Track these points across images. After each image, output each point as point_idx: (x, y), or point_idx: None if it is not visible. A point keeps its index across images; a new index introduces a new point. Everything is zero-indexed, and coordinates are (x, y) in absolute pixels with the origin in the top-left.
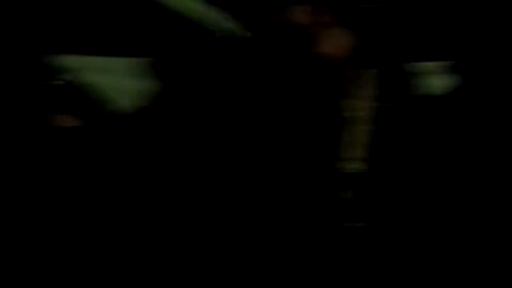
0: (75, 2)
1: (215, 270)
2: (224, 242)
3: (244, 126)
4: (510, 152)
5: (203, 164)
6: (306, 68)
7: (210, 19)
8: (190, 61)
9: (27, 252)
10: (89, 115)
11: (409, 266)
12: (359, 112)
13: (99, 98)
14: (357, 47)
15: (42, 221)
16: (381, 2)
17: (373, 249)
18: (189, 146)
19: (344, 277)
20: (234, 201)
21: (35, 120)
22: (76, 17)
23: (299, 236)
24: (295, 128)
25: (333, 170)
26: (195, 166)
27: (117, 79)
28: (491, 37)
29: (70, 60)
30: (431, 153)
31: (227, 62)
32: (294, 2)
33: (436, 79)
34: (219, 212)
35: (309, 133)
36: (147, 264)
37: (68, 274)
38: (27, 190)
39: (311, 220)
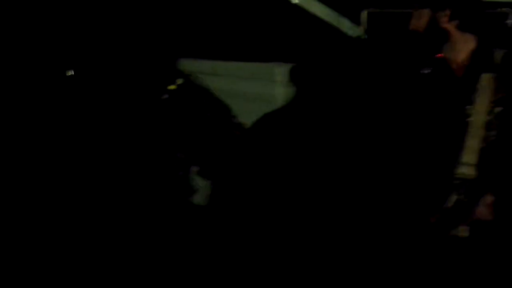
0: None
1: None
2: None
3: (368, 126)
4: None
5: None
6: (430, 73)
7: (342, 24)
8: (323, 63)
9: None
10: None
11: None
12: (477, 117)
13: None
14: (479, 51)
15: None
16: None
17: (476, 257)
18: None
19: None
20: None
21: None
22: (203, 22)
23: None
24: (419, 130)
25: (449, 174)
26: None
27: (240, 83)
28: None
29: (191, 64)
30: None
31: (357, 63)
32: (418, 7)
33: None
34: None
35: (432, 136)
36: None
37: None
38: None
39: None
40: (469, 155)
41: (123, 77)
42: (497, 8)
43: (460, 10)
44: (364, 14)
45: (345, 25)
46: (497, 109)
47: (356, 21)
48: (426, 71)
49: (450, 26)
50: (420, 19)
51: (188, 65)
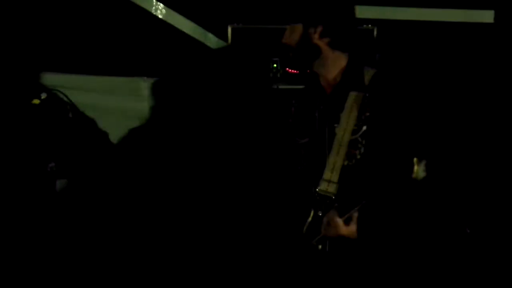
0: (68, 18)
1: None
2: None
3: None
4: None
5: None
6: (296, 90)
7: (209, 39)
8: (183, 76)
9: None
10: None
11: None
12: (343, 135)
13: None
14: (349, 69)
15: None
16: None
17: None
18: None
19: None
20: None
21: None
22: (67, 36)
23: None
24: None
25: (309, 191)
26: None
27: (105, 98)
28: None
29: (55, 78)
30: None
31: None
32: (286, 24)
33: None
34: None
35: (288, 151)
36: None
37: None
38: None
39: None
40: (331, 173)
41: None
42: (362, 24)
43: (331, 26)
44: (230, 30)
45: (211, 41)
46: (363, 128)
47: (223, 36)
48: (281, 87)
49: (322, 43)
50: (292, 34)
51: (52, 79)
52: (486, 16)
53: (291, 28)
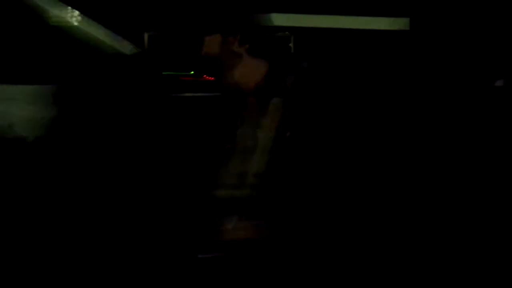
0: None
1: None
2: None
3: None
4: None
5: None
6: (213, 96)
7: (124, 46)
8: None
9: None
10: None
11: None
12: (264, 141)
13: None
14: (270, 76)
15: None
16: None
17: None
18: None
19: None
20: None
21: None
22: None
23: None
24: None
25: (212, 196)
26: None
27: (12, 107)
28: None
29: None
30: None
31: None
32: (204, 32)
33: None
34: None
35: (199, 158)
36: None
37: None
38: None
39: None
40: (253, 178)
41: None
42: (279, 32)
43: (249, 34)
44: (146, 37)
45: (126, 48)
46: (285, 134)
47: (140, 43)
48: (197, 94)
49: (242, 50)
50: (211, 45)
51: None
52: (402, 24)
53: (209, 39)
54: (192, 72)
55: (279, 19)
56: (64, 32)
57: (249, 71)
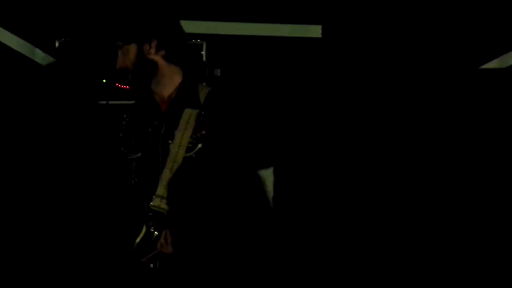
0: None
1: None
2: None
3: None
4: None
5: None
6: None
7: (37, 54)
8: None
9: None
10: None
11: None
12: (177, 152)
13: None
14: (184, 86)
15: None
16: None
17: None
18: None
19: None
20: None
21: None
22: None
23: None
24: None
25: (142, 207)
26: None
27: None
28: None
29: None
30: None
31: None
32: (122, 42)
33: None
34: None
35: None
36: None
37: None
38: None
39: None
40: (164, 189)
41: None
42: (191, 39)
43: (165, 39)
44: (57, 44)
45: (39, 56)
46: (198, 146)
47: (51, 51)
48: (110, 102)
49: (158, 58)
50: (126, 56)
51: None
52: (314, 31)
53: (123, 51)
54: (104, 81)
55: (192, 26)
56: None
57: (164, 80)
